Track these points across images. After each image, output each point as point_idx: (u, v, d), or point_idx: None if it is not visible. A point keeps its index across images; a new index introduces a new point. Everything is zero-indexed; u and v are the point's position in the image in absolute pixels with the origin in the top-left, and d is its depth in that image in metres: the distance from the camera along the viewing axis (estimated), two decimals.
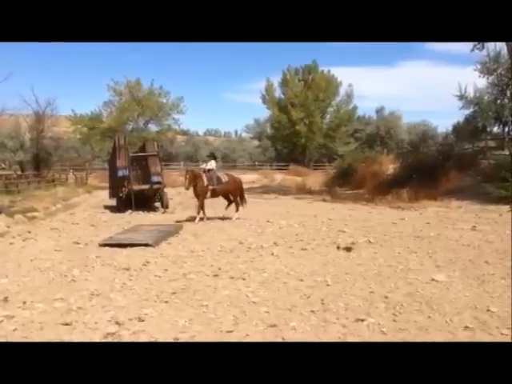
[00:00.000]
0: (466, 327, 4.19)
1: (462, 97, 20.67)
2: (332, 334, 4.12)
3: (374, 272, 6.28)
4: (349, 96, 47.49)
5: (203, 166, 13.24)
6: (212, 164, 13.02)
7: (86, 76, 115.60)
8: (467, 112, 21.57)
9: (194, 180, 12.00)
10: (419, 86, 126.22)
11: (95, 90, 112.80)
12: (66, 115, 39.89)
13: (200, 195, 12.14)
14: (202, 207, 12.17)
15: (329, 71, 46.79)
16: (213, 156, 14.11)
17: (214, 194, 12.57)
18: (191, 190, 12.20)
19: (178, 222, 11.95)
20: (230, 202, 12.97)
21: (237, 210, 12.60)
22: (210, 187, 12.28)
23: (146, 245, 8.21)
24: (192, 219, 12.07)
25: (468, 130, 21.80)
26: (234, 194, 12.87)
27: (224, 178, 12.81)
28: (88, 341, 3.91)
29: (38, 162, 27.86)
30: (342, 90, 47.20)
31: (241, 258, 7.26)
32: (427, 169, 18.13)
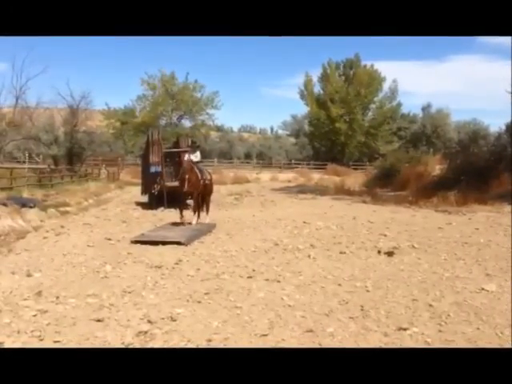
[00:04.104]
0: None
1: None
2: (373, 342, 3.93)
3: (418, 279, 6.00)
4: (393, 92, 45.98)
5: (187, 156, 11.02)
6: (198, 156, 11.10)
7: (120, 69, 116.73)
8: None
9: (188, 172, 10.14)
10: (470, 82, 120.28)
11: (130, 83, 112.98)
12: (100, 109, 39.28)
13: (194, 191, 10.40)
14: (197, 205, 10.58)
15: (372, 65, 45.57)
16: (197, 146, 11.97)
17: (204, 192, 10.87)
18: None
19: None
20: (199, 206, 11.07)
21: (207, 212, 11.20)
22: (202, 182, 10.59)
23: (179, 243, 8.14)
24: (180, 223, 10.40)
25: None
26: (209, 196, 11.46)
27: (208, 175, 11.28)
28: (113, 346, 3.83)
29: (71, 156, 28.08)
30: (386, 86, 45.88)
31: (276, 260, 7.09)
32: (477, 171, 17.24)
